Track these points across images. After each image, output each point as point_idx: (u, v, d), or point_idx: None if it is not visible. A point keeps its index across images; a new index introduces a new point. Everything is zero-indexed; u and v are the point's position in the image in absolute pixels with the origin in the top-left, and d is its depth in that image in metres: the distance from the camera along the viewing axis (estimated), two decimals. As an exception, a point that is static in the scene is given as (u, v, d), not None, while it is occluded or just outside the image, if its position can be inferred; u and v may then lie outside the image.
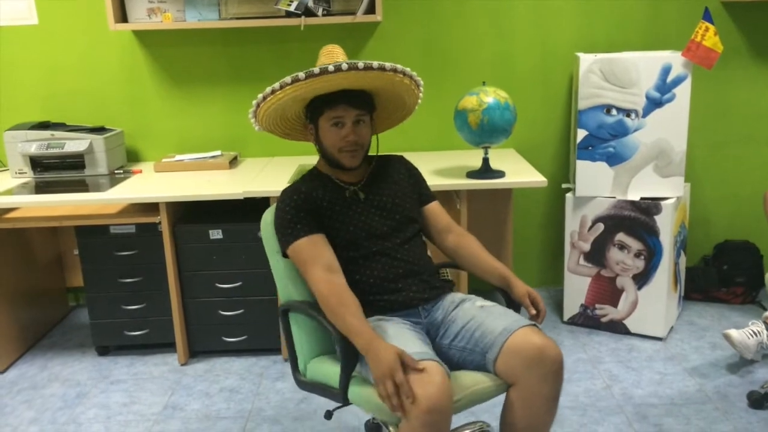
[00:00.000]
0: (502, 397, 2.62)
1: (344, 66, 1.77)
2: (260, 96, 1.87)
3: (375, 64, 1.81)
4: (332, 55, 1.97)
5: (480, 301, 1.97)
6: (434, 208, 2.13)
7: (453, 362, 1.89)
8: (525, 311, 2.08)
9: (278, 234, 1.93)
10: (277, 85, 1.83)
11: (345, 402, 1.84)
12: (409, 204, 2.05)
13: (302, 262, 1.87)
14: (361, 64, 1.79)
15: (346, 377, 1.81)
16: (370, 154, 2.05)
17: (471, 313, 1.91)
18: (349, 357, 1.78)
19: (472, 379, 1.81)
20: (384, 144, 3.46)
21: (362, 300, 1.85)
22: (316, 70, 1.78)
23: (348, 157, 1.94)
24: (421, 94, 2.06)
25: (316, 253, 1.86)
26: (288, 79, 1.81)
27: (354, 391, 1.80)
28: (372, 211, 1.98)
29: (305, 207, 1.90)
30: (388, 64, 1.84)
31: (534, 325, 1.83)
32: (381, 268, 1.94)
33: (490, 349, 1.80)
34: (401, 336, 1.79)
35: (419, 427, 1.59)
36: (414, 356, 1.67)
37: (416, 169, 2.16)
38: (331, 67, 1.77)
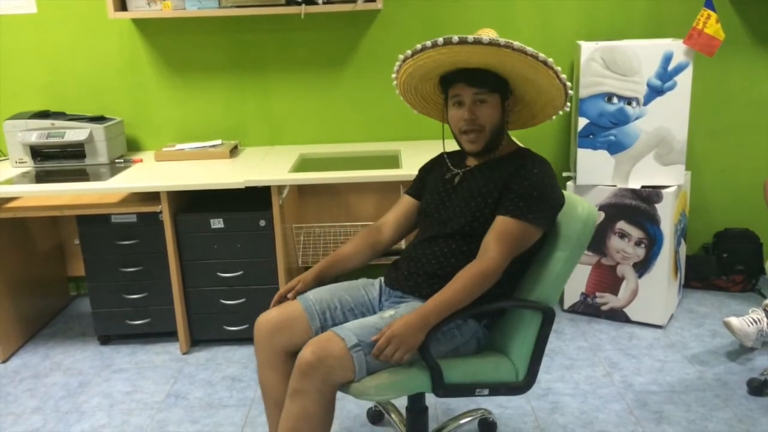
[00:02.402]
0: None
1: (455, 39, 1.71)
2: (394, 73, 1.97)
3: (485, 39, 1.68)
4: (481, 33, 1.86)
5: (393, 311, 1.83)
6: (496, 221, 1.82)
7: None
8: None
9: None
10: (397, 64, 1.92)
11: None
12: (476, 205, 1.88)
13: None
14: (470, 38, 1.69)
15: None
16: (521, 146, 1.98)
17: (375, 314, 1.95)
18: None
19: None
20: (386, 134, 3.46)
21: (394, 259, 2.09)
22: (429, 43, 1.77)
23: (467, 141, 1.90)
24: (562, 76, 1.78)
25: (393, 209, 2.12)
26: (401, 56, 1.87)
27: None
28: (451, 197, 1.97)
29: (421, 171, 2.13)
30: (502, 40, 1.68)
31: (342, 338, 1.71)
32: (409, 246, 2.03)
33: None
34: (336, 289, 2.00)
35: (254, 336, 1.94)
36: (302, 297, 1.95)
37: (521, 179, 1.83)
38: (440, 40, 1.73)
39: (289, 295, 1.96)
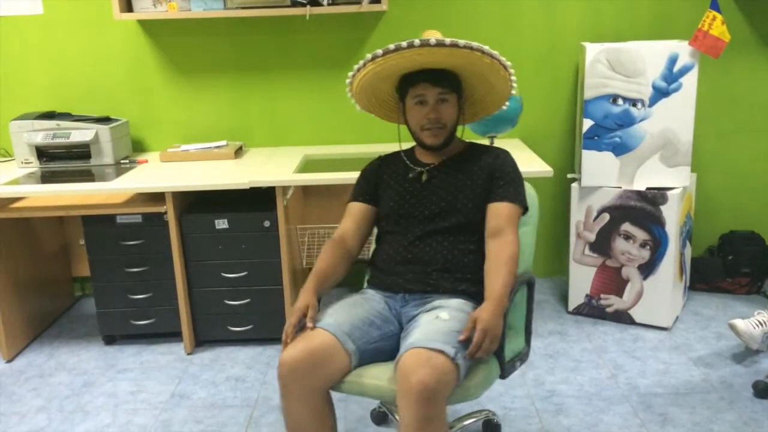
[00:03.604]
0: (507, 386, 2.64)
1: (416, 42, 1.81)
2: (350, 74, 1.97)
3: (448, 41, 1.80)
4: (428, 35, 1.96)
5: (445, 312, 1.84)
6: (495, 208, 1.95)
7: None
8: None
9: None
10: (361, 62, 1.92)
11: None
12: (465, 197, 1.97)
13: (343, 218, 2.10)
14: (433, 41, 1.80)
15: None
16: (473, 141, 2.10)
17: (424, 319, 1.83)
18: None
19: (375, 374, 1.81)
20: (387, 133, 3.46)
21: (372, 271, 2.07)
22: (392, 46, 1.83)
23: (429, 136, 1.97)
24: (513, 77, 1.96)
25: (346, 218, 2.09)
26: (369, 56, 1.88)
27: None
28: (423, 194, 2.01)
29: (367, 176, 2.11)
30: (462, 42, 1.81)
31: (440, 351, 1.67)
32: (396, 248, 2.00)
33: (397, 357, 1.75)
34: (345, 307, 1.91)
35: (278, 377, 1.77)
36: (323, 323, 1.81)
37: (504, 166, 1.99)
38: (404, 44, 1.82)
39: (310, 324, 1.79)
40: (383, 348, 1.88)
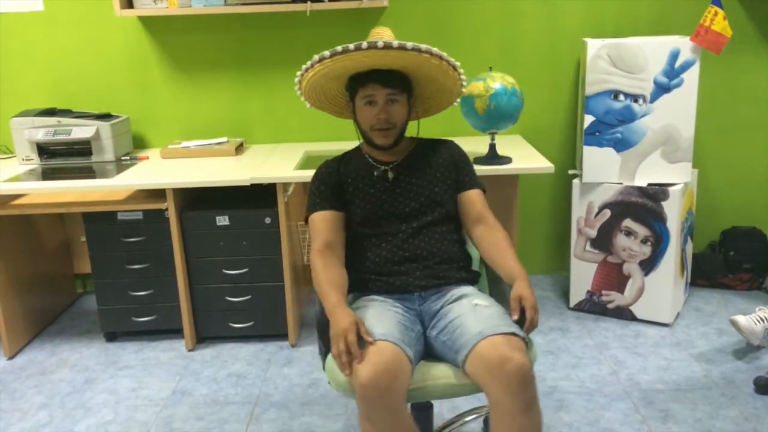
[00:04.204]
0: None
1: (364, 45, 1.81)
2: (299, 74, 1.96)
3: (395, 43, 1.81)
4: (377, 35, 2.03)
5: (478, 299, 1.89)
6: (470, 196, 2.05)
7: (436, 354, 1.87)
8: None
9: (307, 201, 2.06)
10: (308, 63, 1.91)
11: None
12: (440, 189, 2.02)
13: (311, 232, 1.99)
14: (380, 44, 1.80)
15: (324, 347, 1.89)
16: (419, 137, 2.11)
17: (462, 310, 1.85)
18: (323, 327, 1.85)
19: (441, 372, 1.79)
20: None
21: (364, 278, 1.95)
22: (339, 48, 1.84)
23: (379, 136, 1.97)
24: (462, 76, 2.02)
25: (325, 227, 1.97)
26: (316, 57, 1.88)
27: (328, 364, 1.84)
28: (397, 192, 2.00)
29: (328, 181, 2.02)
30: (410, 44, 1.83)
31: (513, 334, 1.72)
32: (389, 249, 1.97)
33: (462, 349, 1.75)
34: (380, 316, 1.82)
35: (359, 400, 1.66)
36: (377, 335, 1.71)
37: (463, 156, 2.10)
38: (352, 46, 1.82)
39: (370, 339, 1.70)
40: (419, 349, 1.85)
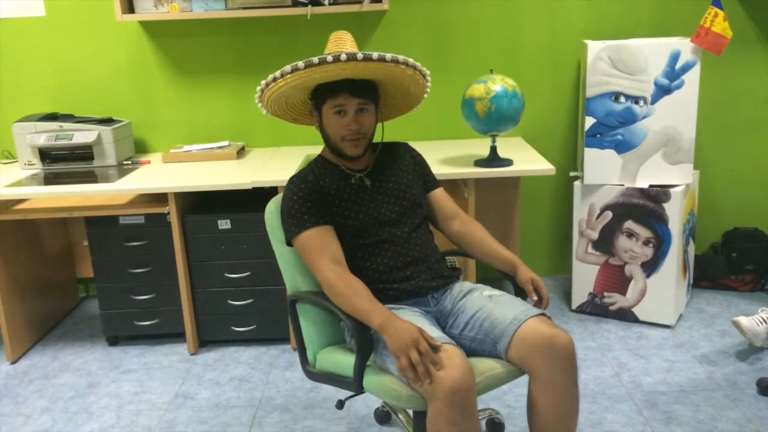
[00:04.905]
0: (511, 385, 2.64)
1: (343, 57, 1.76)
2: (263, 83, 1.88)
3: (375, 55, 1.79)
4: (340, 41, 1.96)
5: (488, 291, 1.96)
6: (439, 194, 2.13)
7: (465, 350, 1.87)
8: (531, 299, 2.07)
9: (284, 224, 1.93)
10: (278, 73, 1.83)
11: (359, 391, 1.84)
12: (415, 190, 2.06)
13: (309, 253, 1.87)
14: (360, 56, 1.77)
15: (361, 365, 1.81)
16: (375, 141, 2.05)
17: (479, 302, 1.90)
18: (364, 343, 1.78)
19: (486, 365, 1.82)
20: (391, 133, 3.45)
21: (371, 288, 1.86)
22: (315, 60, 1.77)
23: (350, 146, 1.93)
24: (428, 84, 2.04)
25: (324, 243, 1.87)
26: (288, 68, 1.81)
27: (369, 380, 1.81)
28: (379, 198, 1.99)
29: (312, 197, 1.91)
30: (389, 56, 1.81)
31: (542, 314, 1.82)
32: (390, 256, 1.95)
33: (501, 339, 1.80)
34: (417, 322, 1.79)
35: (446, 407, 1.61)
36: (441, 340, 1.71)
37: (420, 155, 2.15)
38: (329, 58, 1.76)
39: (437, 344, 1.68)
40: None
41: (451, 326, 1.93)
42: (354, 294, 1.77)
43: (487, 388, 1.80)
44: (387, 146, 2.12)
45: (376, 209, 1.97)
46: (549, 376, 1.76)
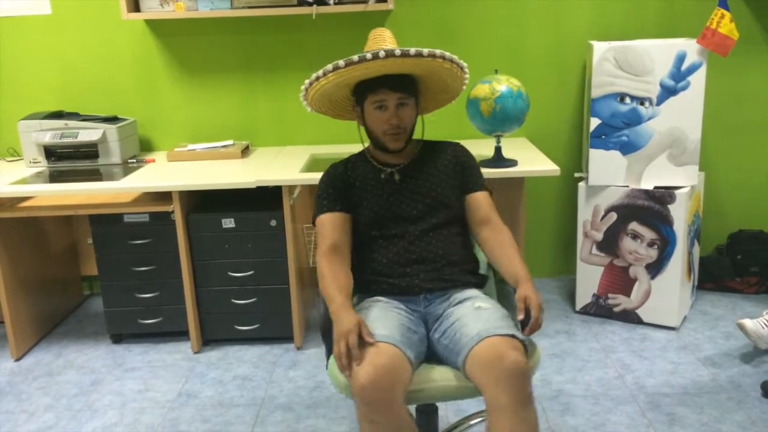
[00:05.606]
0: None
1: (381, 54, 1.81)
2: (307, 82, 1.96)
3: (412, 51, 1.83)
4: (380, 39, 2.01)
5: (480, 302, 1.89)
6: (476, 198, 2.05)
7: (439, 357, 1.88)
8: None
9: (315, 204, 2.06)
10: (320, 72, 1.90)
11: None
12: (447, 190, 2.03)
13: (318, 234, 2.00)
14: (398, 52, 1.82)
15: (327, 349, 1.91)
16: (424, 139, 2.11)
17: (463, 312, 1.86)
18: (326, 327, 1.86)
19: (442, 375, 1.80)
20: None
21: (370, 279, 1.96)
22: (355, 58, 1.83)
23: (392, 140, 1.98)
24: (466, 76, 2.06)
25: (331, 229, 1.97)
26: (329, 66, 1.87)
27: (330, 366, 1.86)
28: (404, 194, 2.01)
29: (335, 184, 2.03)
30: (426, 50, 1.85)
31: (512, 335, 1.73)
32: (396, 251, 1.98)
33: (462, 351, 1.76)
34: (383, 317, 1.84)
35: (360, 403, 1.67)
36: (379, 337, 1.73)
37: (467, 158, 2.09)
38: (368, 55, 1.82)
39: (371, 340, 1.71)
40: (422, 351, 1.87)
41: (434, 330, 1.90)
42: (331, 279, 1.86)
43: (434, 398, 1.79)
44: (434, 145, 2.12)
45: (395, 204, 2.00)
46: (493, 396, 1.67)
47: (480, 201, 2.04)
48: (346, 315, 1.74)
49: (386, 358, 1.68)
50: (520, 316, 1.77)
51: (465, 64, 2.01)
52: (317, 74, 1.91)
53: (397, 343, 1.74)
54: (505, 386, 1.66)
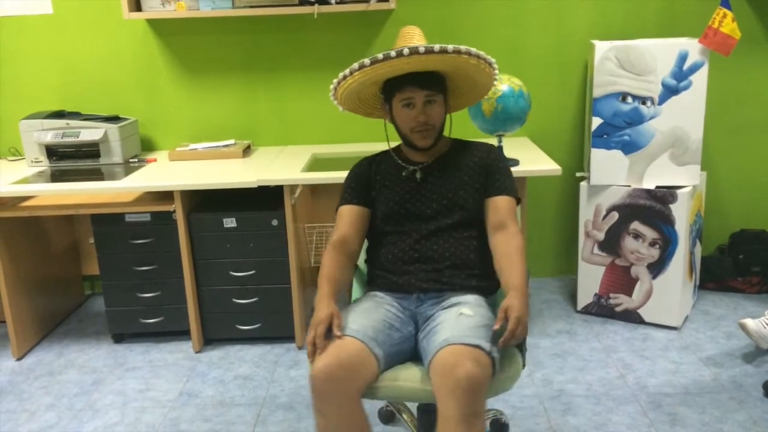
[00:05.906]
0: (516, 386, 2.64)
1: (405, 51, 1.81)
2: (335, 81, 1.97)
3: (436, 47, 1.82)
4: (408, 36, 2.01)
5: (467, 308, 1.85)
6: (495, 202, 1.99)
7: (420, 357, 1.88)
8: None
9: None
10: (347, 70, 1.92)
11: None
12: (466, 192, 2.00)
13: (335, 224, 2.07)
14: (422, 49, 1.81)
15: None
16: (457, 138, 2.12)
17: (447, 317, 1.83)
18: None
19: (408, 375, 1.80)
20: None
21: (375, 273, 2.01)
22: (380, 56, 1.84)
23: (420, 137, 1.98)
24: (495, 72, 2.02)
25: (346, 221, 2.04)
26: (356, 65, 1.88)
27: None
28: (422, 192, 2.01)
29: (357, 178, 2.08)
30: (450, 47, 1.84)
31: (478, 346, 1.69)
32: (402, 248, 1.99)
33: (428, 355, 1.75)
34: (366, 312, 1.87)
35: (311, 390, 1.71)
36: (348, 330, 1.77)
37: (496, 161, 2.03)
38: (393, 53, 1.82)
39: (338, 333, 1.75)
40: (404, 350, 1.88)
41: (421, 331, 1.90)
42: (329, 269, 1.91)
43: (393, 397, 1.79)
44: (464, 144, 2.10)
45: (411, 201, 2.00)
46: (443, 404, 1.64)
47: (498, 205, 1.98)
48: (323, 305, 1.80)
49: (348, 353, 1.72)
50: (496, 326, 1.72)
51: (493, 60, 1.98)
52: (344, 73, 1.92)
53: (365, 339, 1.77)
54: (453, 397, 1.62)
